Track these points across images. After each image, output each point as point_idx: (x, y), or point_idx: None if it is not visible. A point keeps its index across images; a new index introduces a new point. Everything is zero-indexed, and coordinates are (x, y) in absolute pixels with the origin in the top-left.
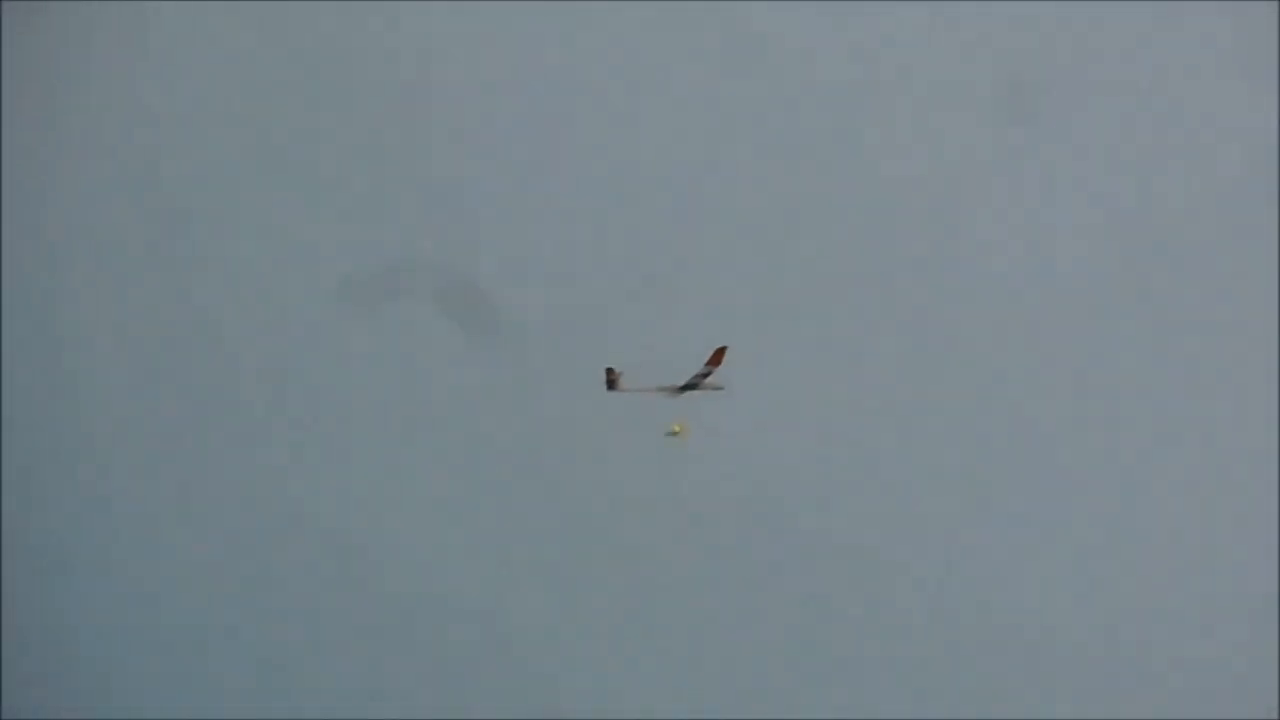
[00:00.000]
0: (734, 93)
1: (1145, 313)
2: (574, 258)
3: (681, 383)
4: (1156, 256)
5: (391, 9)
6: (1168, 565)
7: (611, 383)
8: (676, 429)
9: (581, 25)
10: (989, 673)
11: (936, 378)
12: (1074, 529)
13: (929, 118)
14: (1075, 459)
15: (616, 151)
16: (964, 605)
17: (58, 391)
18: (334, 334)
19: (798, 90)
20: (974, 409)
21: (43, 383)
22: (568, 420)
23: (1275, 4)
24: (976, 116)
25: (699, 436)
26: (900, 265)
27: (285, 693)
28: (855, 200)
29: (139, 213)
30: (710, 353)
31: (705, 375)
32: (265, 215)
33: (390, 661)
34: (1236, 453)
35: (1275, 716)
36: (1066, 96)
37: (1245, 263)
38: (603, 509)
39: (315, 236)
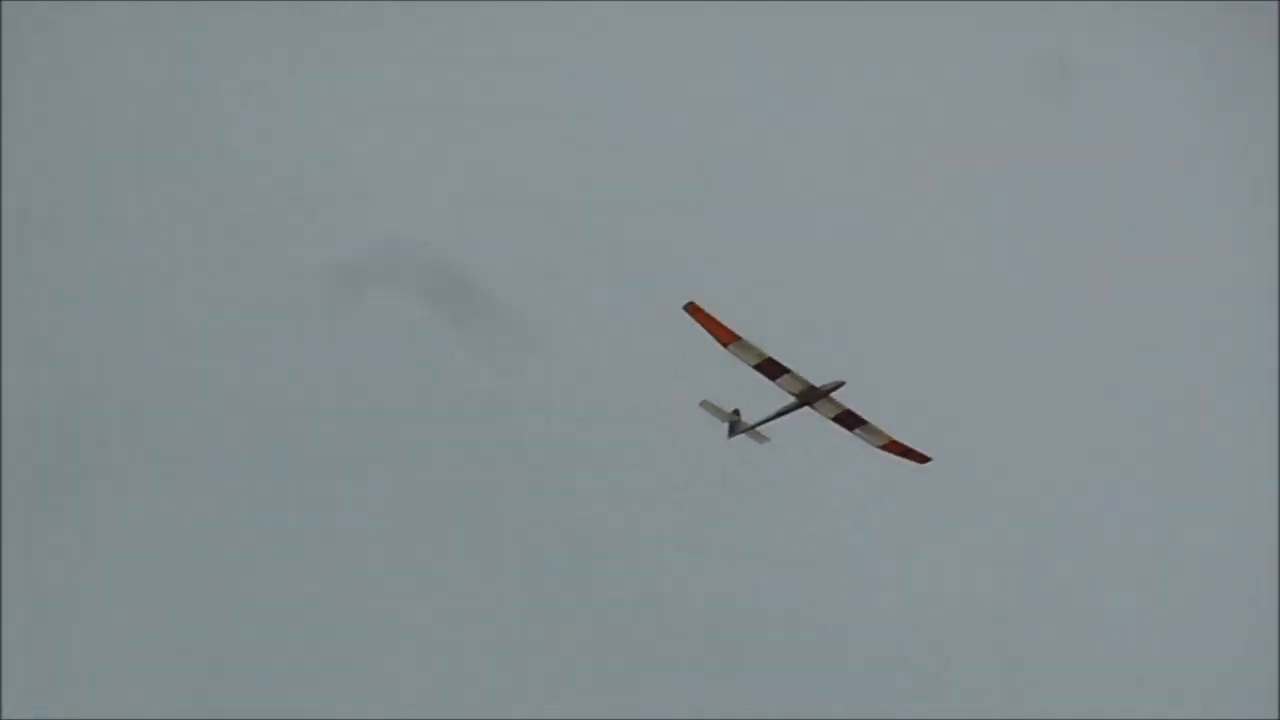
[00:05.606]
0: (736, 82)
1: (1155, 308)
2: (572, 249)
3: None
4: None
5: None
6: (1167, 565)
7: (734, 426)
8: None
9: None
10: (981, 672)
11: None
12: (1070, 526)
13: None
14: (1076, 455)
15: (622, 138)
16: (958, 601)
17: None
18: (312, 331)
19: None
20: (979, 405)
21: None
22: (569, 429)
23: (1275, 3)
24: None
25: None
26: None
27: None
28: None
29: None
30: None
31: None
32: (237, 203)
33: (375, 674)
34: (1239, 449)
35: (1275, 717)
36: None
37: (1246, 262)
38: (605, 521)
39: (288, 224)
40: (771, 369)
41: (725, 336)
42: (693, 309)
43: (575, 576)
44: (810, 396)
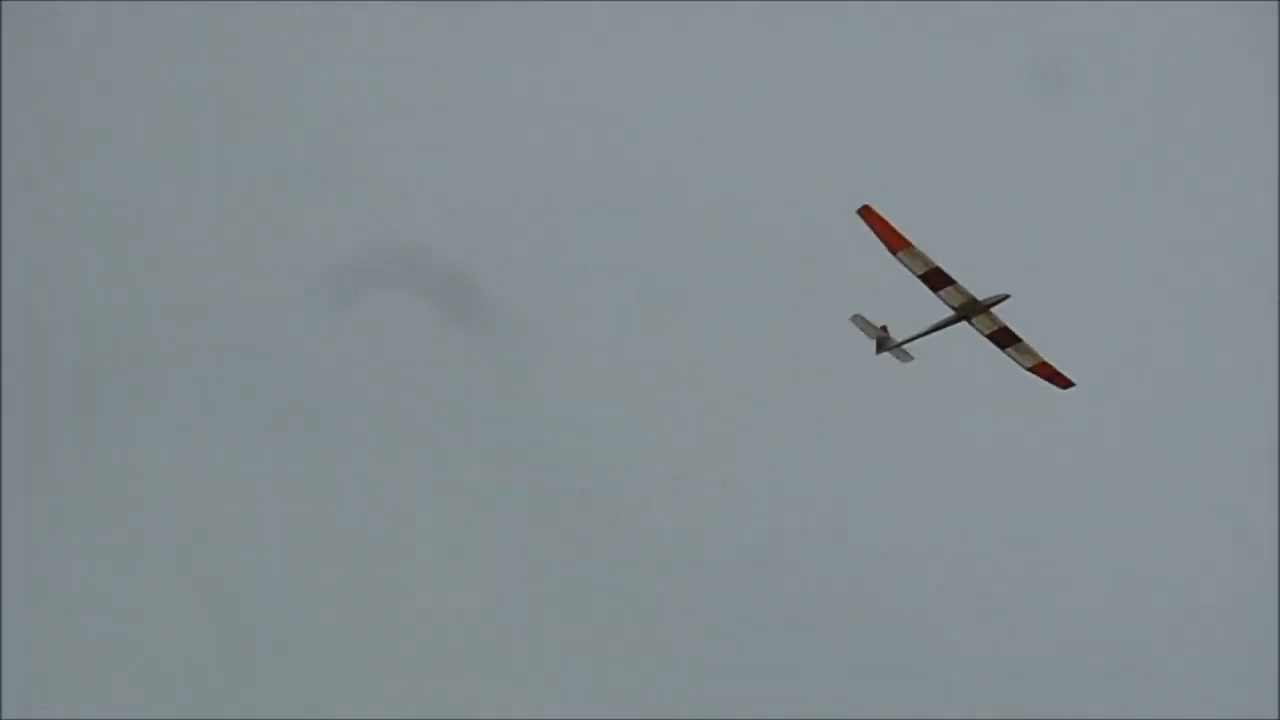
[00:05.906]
0: (736, 83)
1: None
2: (575, 247)
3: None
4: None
5: None
6: (1167, 564)
7: (882, 342)
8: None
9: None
10: (980, 673)
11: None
12: (1069, 526)
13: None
14: (1073, 454)
15: (626, 131)
16: (956, 599)
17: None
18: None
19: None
20: (977, 405)
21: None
22: (570, 429)
23: (1275, 3)
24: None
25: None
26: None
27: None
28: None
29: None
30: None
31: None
32: (232, 201)
33: (374, 675)
34: (1239, 448)
35: (1275, 717)
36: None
37: (1246, 261)
38: (609, 529)
39: (285, 223)
40: (936, 279)
41: (896, 242)
42: (866, 212)
43: (575, 577)
44: (970, 310)
